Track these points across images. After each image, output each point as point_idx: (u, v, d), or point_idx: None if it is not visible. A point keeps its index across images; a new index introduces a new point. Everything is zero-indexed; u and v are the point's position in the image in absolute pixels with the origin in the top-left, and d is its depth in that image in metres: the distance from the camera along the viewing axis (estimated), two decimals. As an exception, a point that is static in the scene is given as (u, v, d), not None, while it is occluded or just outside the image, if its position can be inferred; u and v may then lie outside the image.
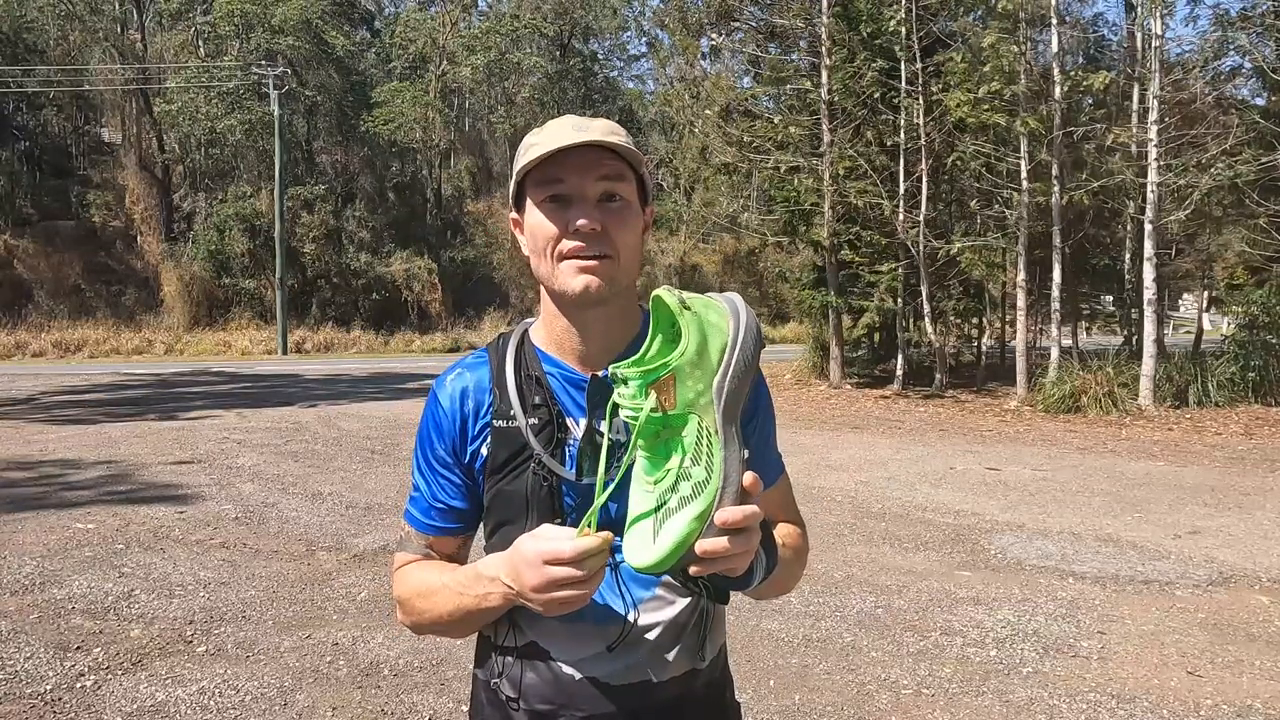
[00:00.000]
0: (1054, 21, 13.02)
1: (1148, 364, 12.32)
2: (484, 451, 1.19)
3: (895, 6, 13.87)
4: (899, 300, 14.95)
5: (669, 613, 1.16)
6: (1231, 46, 13.86)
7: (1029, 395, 13.22)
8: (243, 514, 6.32)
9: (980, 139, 13.26)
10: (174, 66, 30.06)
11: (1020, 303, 13.97)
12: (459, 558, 1.26)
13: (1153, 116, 12.06)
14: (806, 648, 3.98)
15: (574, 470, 1.14)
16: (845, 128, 14.42)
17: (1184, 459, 9.02)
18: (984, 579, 5.01)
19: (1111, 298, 19.22)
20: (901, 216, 14.07)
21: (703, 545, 0.94)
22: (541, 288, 1.19)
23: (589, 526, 0.99)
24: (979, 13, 14.96)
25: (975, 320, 17.82)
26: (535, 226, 1.14)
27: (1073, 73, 13.35)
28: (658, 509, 0.96)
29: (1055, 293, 13.59)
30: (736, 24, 17.47)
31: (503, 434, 1.17)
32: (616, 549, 1.03)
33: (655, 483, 0.97)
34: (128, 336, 24.86)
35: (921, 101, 13.91)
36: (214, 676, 3.60)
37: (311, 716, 3.29)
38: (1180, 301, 38.34)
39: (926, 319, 14.68)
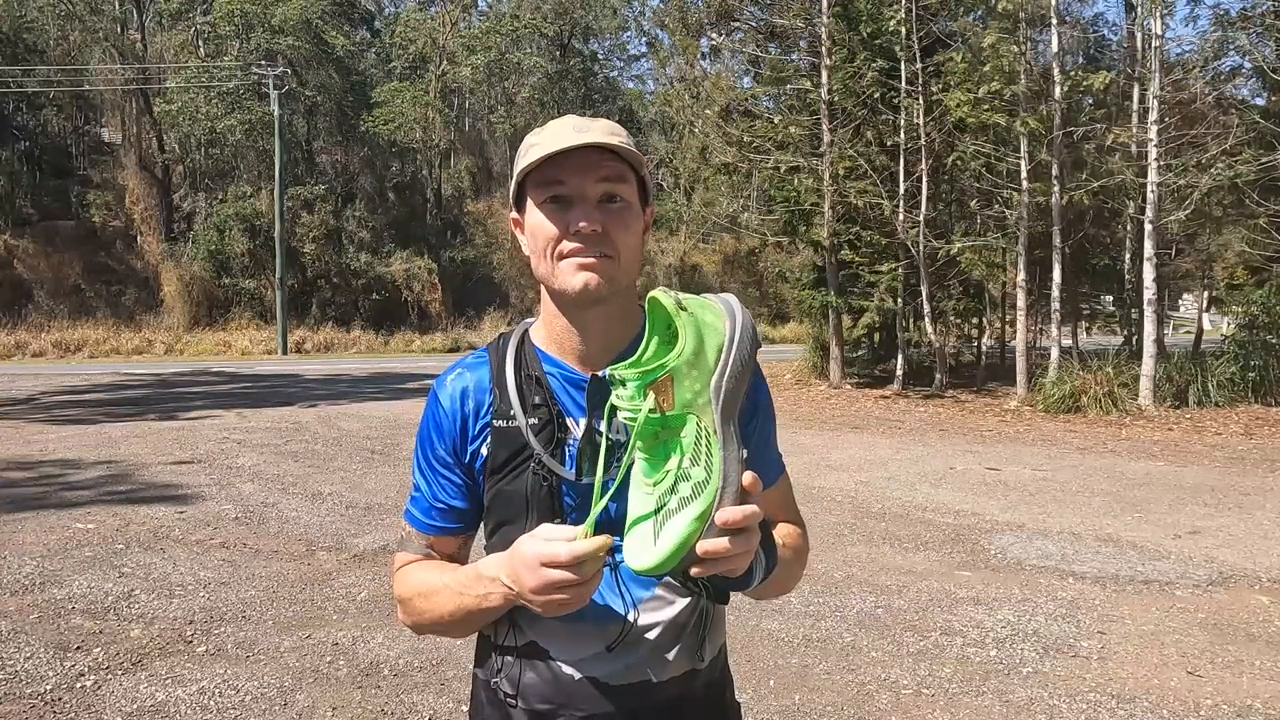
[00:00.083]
0: (1054, 21, 13.02)
1: (1148, 364, 12.33)
2: (484, 451, 1.19)
3: (895, 6, 13.87)
4: (899, 300, 14.95)
5: (668, 613, 1.16)
6: (1231, 46, 13.87)
7: (1029, 395, 13.22)
8: (243, 514, 6.32)
9: (980, 139, 13.26)
10: (174, 66, 30.06)
11: (1020, 303, 13.97)
12: (459, 558, 1.26)
13: (1153, 116, 12.06)
14: (806, 648, 3.98)
15: (574, 470, 1.14)
16: (845, 128, 14.42)
17: (1184, 459, 9.02)
18: (984, 579, 5.01)
19: (1111, 298, 19.23)
20: (901, 216, 14.07)
21: (704, 546, 0.94)
22: (541, 288, 1.19)
23: (589, 529, 0.99)
24: (979, 13, 14.96)
25: (975, 320, 17.82)
26: (536, 227, 1.14)
27: (1073, 73, 13.35)
28: (657, 511, 0.96)
29: (1055, 293, 13.59)
30: (736, 24, 17.47)
31: (503, 434, 1.17)
32: (617, 549, 1.03)
33: (655, 484, 0.97)
34: (128, 336, 24.86)
35: (921, 101, 13.91)
36: (214, 676, 3.60)
37: (311, 716, 3.29)
38: (1180, 301, 38.34)
39: (926, 319, 14.68)
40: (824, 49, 14.61)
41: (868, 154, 14.35)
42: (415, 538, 1.25)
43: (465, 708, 2.11)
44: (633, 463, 1.00)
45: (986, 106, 12.69)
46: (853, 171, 14.30)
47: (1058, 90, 12.80)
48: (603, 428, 1.07)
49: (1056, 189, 12.90)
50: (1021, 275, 13.82)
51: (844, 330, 16.11)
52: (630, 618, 1.14)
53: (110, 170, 29.74)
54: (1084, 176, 12.97)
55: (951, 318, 16.43)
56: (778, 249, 18.78)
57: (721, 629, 1.26)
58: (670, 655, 1.16)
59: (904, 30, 13.74)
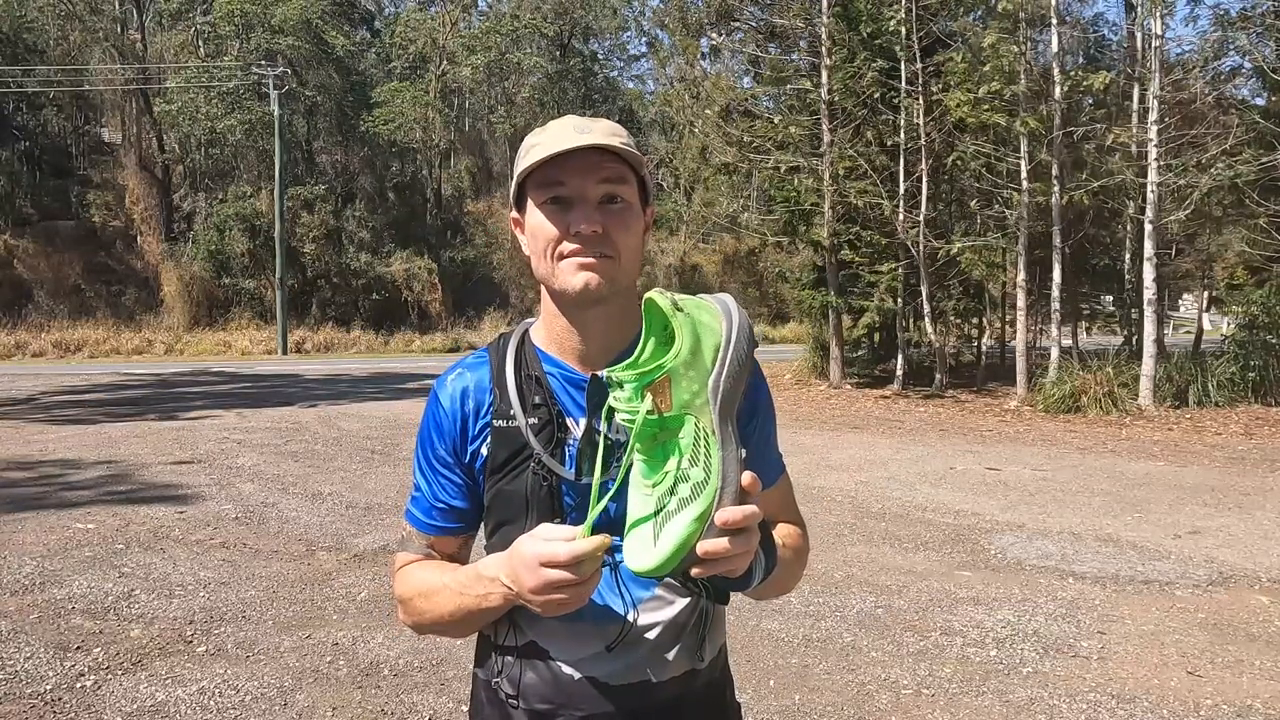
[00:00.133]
0: (1054, 21, 13.02)
1: (1148, 364, 12.33)
2: (484, 451, 1.19)
3: (895, 6, 13.87)
4: (899, 300, 14.95)
5: (668, 613, 1.16)
6: (1231, 46, 13.87)
7: (1029, 395, 13.22)
8: (243, 514, 6.32)
9: (980, 139, 13.26)
10: (174, 66, 30.06)
11: (1020, 303, 13.97)
12: (460, 557, 1.26)
13: (1153, 116, 12.06)
14: (806, 648, 3.98)
15: (573, 470, 1.14)
16: (845, 128, 14.42)
17: (1184, 459, 9.02)
18: (984, 579, 5.01)
19: (1111, 298, 19.22)
20: (901, 216, 14.07)
21: (703, 546, 0.94)
22: (541, 288, 1.19)
23: (587, 529, 0.99)
24: (979, 13, 14.97)
25: (975, 320, 17.83)
26: (536, 228, 1.14)
27: (1073, 73, 13.35)
28: (657, 512, 0.96)
29: (1055, 293, 13.59)
30: (736, 24, 17.47)
31: (503, 434, 1.17)
32: (617, 548, 1.03)
33: (654, 485, 0.97)
34: (128, 336, 24.86)
35: (921, 101, 13.91)
36: (214, 676, 3.60)
37: (311, 716, 3.29)
38: (1180, 301, 38.33)
39: (926, 319, 14.68)
40: (824, 49, 14.61)
41: (868, 154, 14.35)
42: (416, 537, 1.25)
43: (465, 708, 2.11)
44: (631, 464, 1.00)
45: (986, 106, 12.69)
46: (853, 171, 14.30)
47: (1058, 90, 12.80)
48: (603, 428, 1.07)
49: (1056, 189, 12.90)
50: (1021, 275, 13.82)
51: (844, 330, 16.11)
52: (630, 618, 1.14)
53: (110, 170, 29.74)
54: (1084, 176, 12.97)
55: (951, 318, 16.43)
56: (778, 249, 18.78)
57: (721, 629, 1.26)
58: (670, 655, 1.16)
59: (904, 30, 13.73)
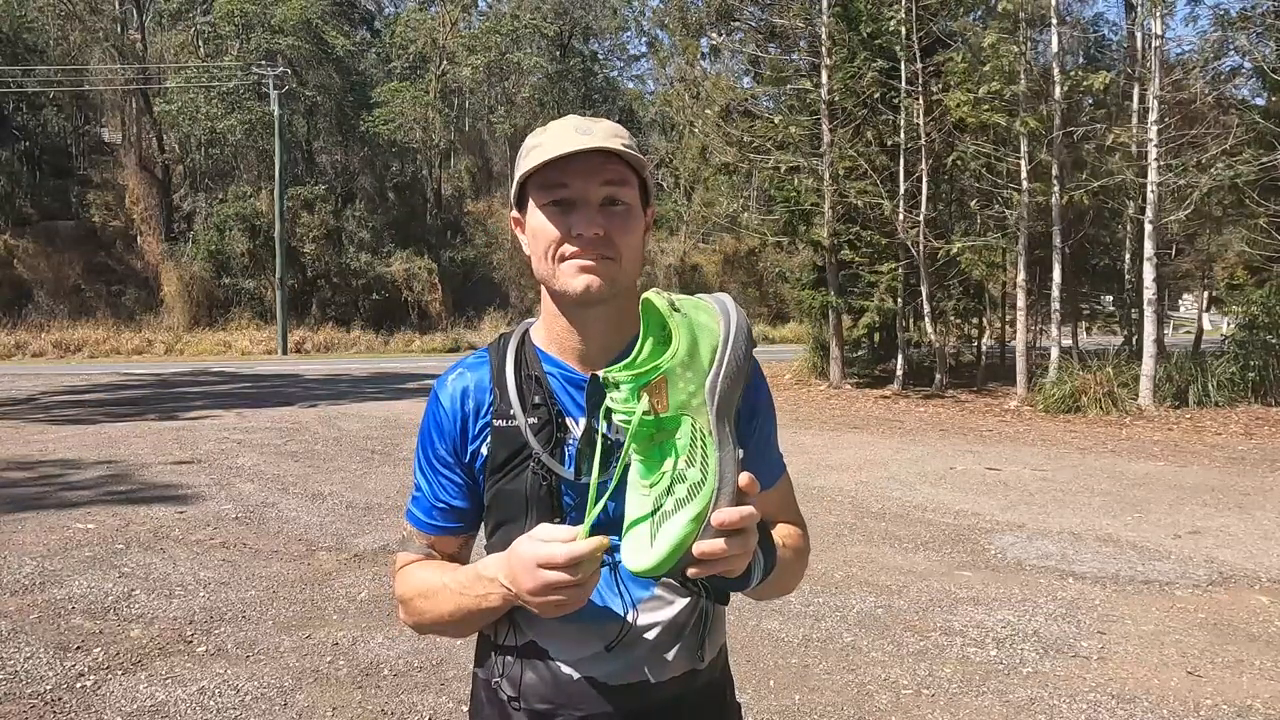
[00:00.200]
0: (1054, 21, 13.02)
1: (1148, 364, 12.33)
2: (484, 451, 1.19)
3: (895, 6, 13.87)
4: (899, 300, 14.96)
5: (668, 613, 1.16)
6: (1231, 46, 13.86)
7: (1029, 395, 13.22)
8: (243, 514, 6.32)
9: (980, 139, 13.26)
10: (174, 66, 30.06)
11: (1020, 303, 13.98)
12: (461, 557, 1.26)
13: (1153, 116, 12.06)
14: (806, 648, 3.98)
15: (573, 469, 1.14)
16: (845, 128, 14.42)
17: (1184, 459, 9.02)
18: (984, 579, 5.01)
19: (1111, 298, 19.22)
20: (901, 216, 14.07)
21: (700, 547, 0.94)
22: (542, 288, 1.19)
23: (586, 530, 0.99)
24: (979, 13, 14.96)
25: (975, 320, 17.83)
26: (538, 229, 1.14)
27: (1073, 73, 13.35)
28: (654, 512, 0.96)
29: (1055, 293, 13.59)
30: (736, 24, 17.47)
31: (502, 433, 1.17)
32: (616, 548, 1.03)
33: (651, 486, 0.97)
34: (128, 336, 24.85)
35: (921, 101, 13.91)
36: (214, 676, 3.60)
37: (311, 716, 3.29)
38: (1180, 301, 38.33)
39: (926, 319, 14.68)
40: (824, 49, 14.61)
41: (868, 154, 14.35)
42: (416, 537, 1.25)
43: (465, 708, 2.11)
44: (629, 464, 1.00)
45: (986, 106, 12.69)
46: (853, 171, 14.29)
47: (1058, 90, 12.80)
48: (602, 427, 1.07)
49: (1056, 189, 12.90)
50: (1021, 275, 13.82)
51: (844, 330, 16.11)
52: (629, 618, 1.14)
53: (110, 170, 29.74)
54: (1084, 176, 12.97)
55: (951, 318, 16.43)
56: (778, 249, 18.76)
57: (721, 629, 1.26)
58: (669, 655, 1.16)
59: (904, 30, 13.73)
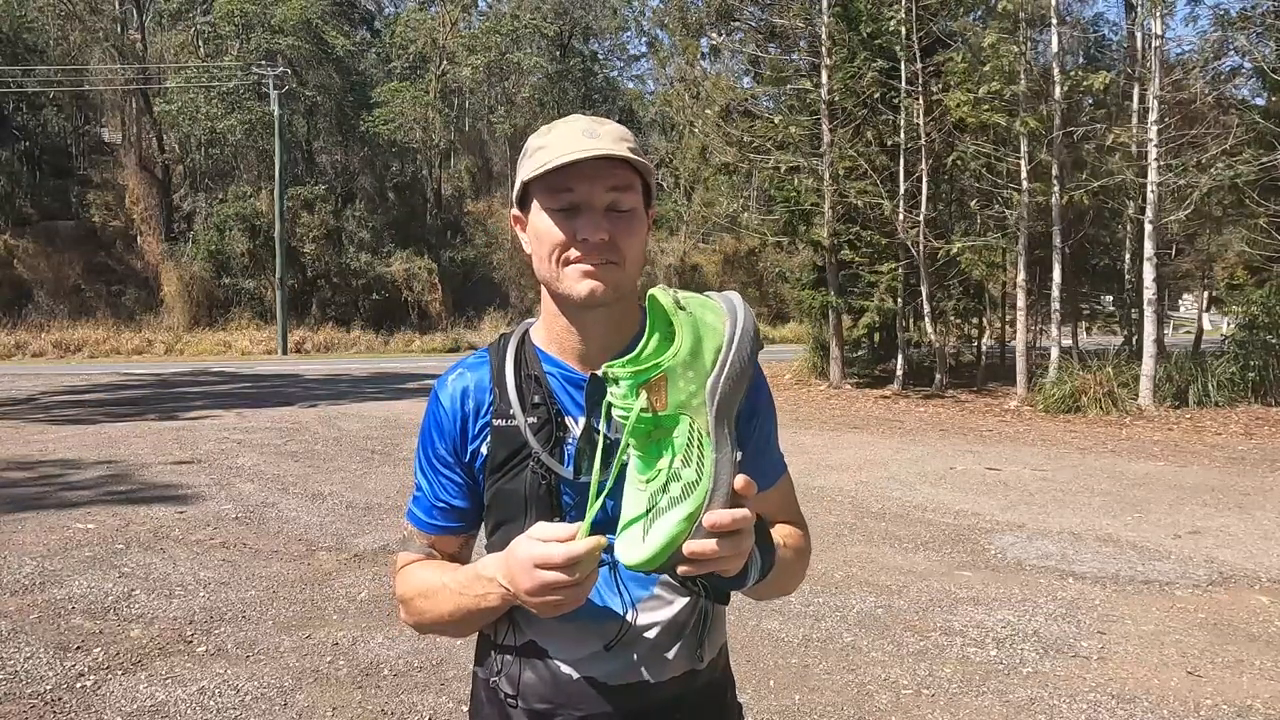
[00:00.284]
0: (1054, 21, 13.02)
1: (1148, 364, 12.32)
2: (484, 450, 1.19)
3: (895, 6, 13.87)
4: (899, 300, 14.96)
5: (667, 613, 1.16)
6: (1231, 46, 13.86)
7: (1029, 395, 13.22)
8: (243, 514, 6.32)
9: (980, 139, 13.26)
10: (174, 66, 30.05)
11: (1020, 303, 13.98)
12: (461, 557, 1.26)
13: (1153, 116, 12.06)
14: (806, 648, 3.99)
15: (572, 468, 1.14)
16: (845, 128, 14.42)
17: (1184, 459, 9.02)
18: (984, 579, 5.01)
19: (1111, 298, 19.22)
20: (901, 216, 14.07)
21: (690, 547, 0.94)
22: (542, 287, 1.19)
23: (586, 529, 0.99)
24: (979, 13, 14.96)
25: (975, 320, 17.83)
26: (543, 232, 1.14)
27: (1073, 73, 13.35)
28: (650, 508, 0.96)
29: (1055, 293, 13.59)
30: (736, 24, 17.47)
31: (502, 433, 1.17)
32: (614, 547, 1.03)
33: (647, 481, 0.97)
34: (128, 336, 24.85)
35: (921, 101, 13.91)
36: (214, 676, 3.60)
37: (311, 716, 3.29)
38: (1180, 301, 38.32)
39: (926, 319, 14.68)
40: (824, 49, 14.61)
41: (868, 154, 14.35)
42: (417, 537, 1.26)
43: (465, 708, 2.12)
44: (626, 461, 1.00)
45: (986, 106, 12.69)
46: (853, 171, 14.29)
47: (1058, 90, 12.80)
48: (601, 427, 1.07)
49: (1056, 189, 12.90)
50: (1021, 275, 13.82)
51: (844, 330, 16.11)
52: (629, 617, 1.15)
53: (110, 170, 29.74)
54: (1084, 176, 12.96)
55: (951, 318, 16.43)
56: (778, 249, 18.76)
57: (722, 630, 1.26)
58: (669, 655, 1.16)
59: (904, 30, 13.73)
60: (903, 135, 14.15)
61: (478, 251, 32.06)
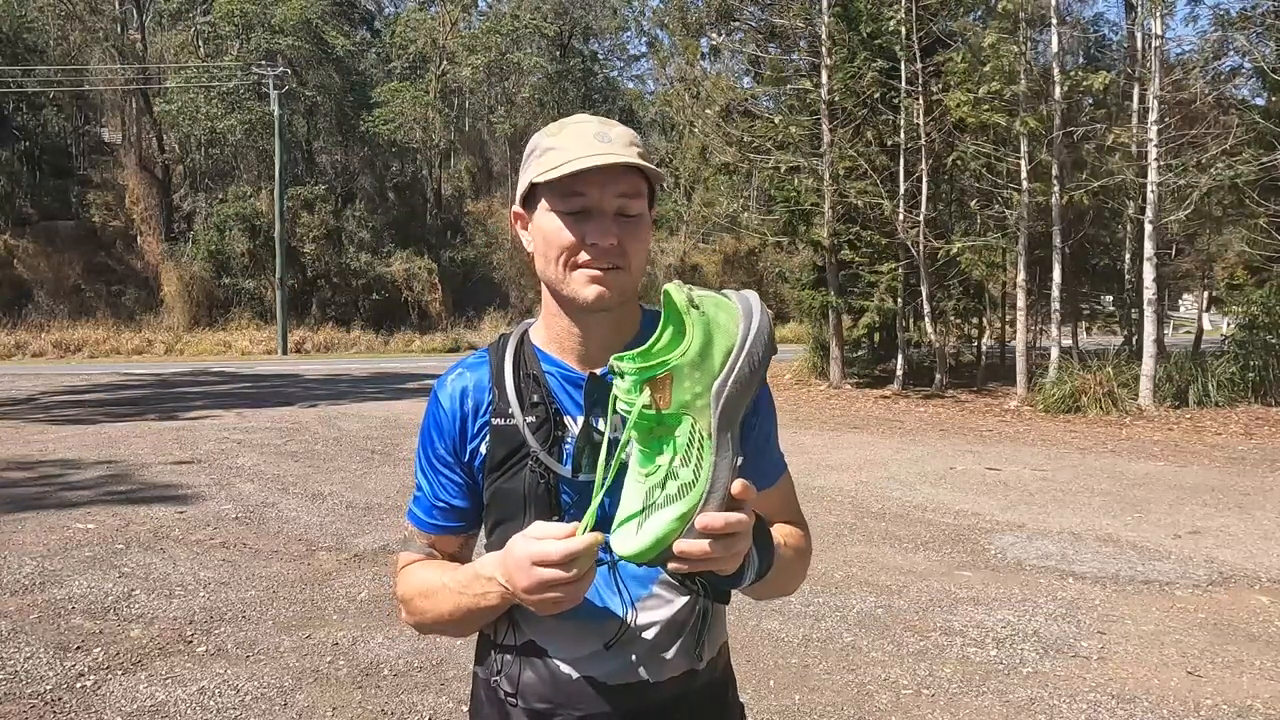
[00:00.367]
0: (1054, 21, 13.02)
1: (1148, 364, 12.32)
2: (483, 450, 1.19)
3: (895, 6, 13.87)
4: (899, 300, 14.96)
5: (666, 612, 1.16)
6: (1231, 46, 13.86)
7: (1029, 395, 13.22)
8: (243, 514, 6.32)
9: (980, 139, 13.26)
10: (174, 66, 30.05)
11: (1020, 303, 13.98)
12: (461, 557, 1.26)
13: (1153, 116, 12.06)
14: (806, 648, 3.99)
15: (570, 467, 1.14)
16: (845, 128, 14.42)
17: (1184, 459, 9.02)
18: (984, 579, 5.01)
19: (1111, 298, 19.22)
20: (901, 216, 14.07)
21: (680, 546, 0.94)
22: (543, 286, 1.19)
23: (587, 525, 0.99)
24: (979, 13, 14.96)
25: (975, 320, 17.82)
26: (551, 234, 1.13)
27: (1073, 73, 13.35)
28: (647, 503, 0.96)
29: (1055, 293, 13.59)
30: (736, 24, 17.47)
31: (501, 432, 1.17)
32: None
33: (647, 475, 0.97)
34: (128, 336, 24.85)
35: (921, 101, 13.91)
36: (214, 676, 3.60)
37: (311, 716, 3.29)
38: (1180, 301, 38.31)
39: (926, 319, 14.68)
40: (824, 49, 14.61)
41: (868, 154, 14.35)
42: (417, 537, 1.26)
43: (465, 708, 2.12)
44: (626, 459, 1.00)
45: (986, 106, 12.69)
46: (853, 171, 14.29)
47: (1058, 90, 12.80)
48: (601, 426, 1.07)
49: (1056, 189, 12.90)
50: (1021, 275, 13.82)
51: (844, 330, 16.11)
52: (628, 617, 1.15)
53: (110, 170, 29.73)
54: (1084, 176, 12.96)
55: (951, 318, 16.43)
56: (778, 249, 18.77)
57: (722, 629, 1.26)
58: (668, 655, 1.16)
59: (904, 30, 13.73)
60: (903, 135, 14.15)
61: (478, 251, 32.06)
